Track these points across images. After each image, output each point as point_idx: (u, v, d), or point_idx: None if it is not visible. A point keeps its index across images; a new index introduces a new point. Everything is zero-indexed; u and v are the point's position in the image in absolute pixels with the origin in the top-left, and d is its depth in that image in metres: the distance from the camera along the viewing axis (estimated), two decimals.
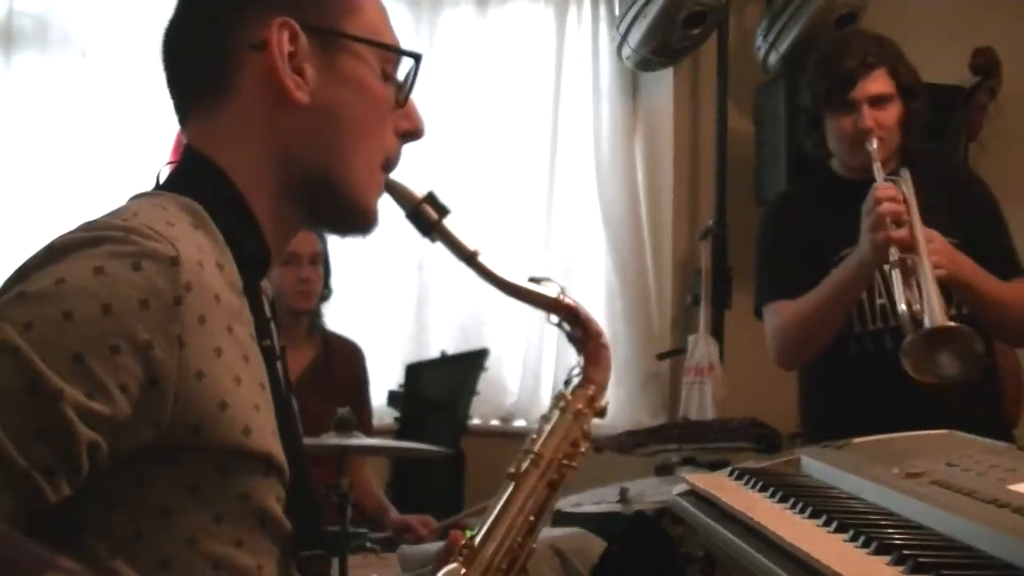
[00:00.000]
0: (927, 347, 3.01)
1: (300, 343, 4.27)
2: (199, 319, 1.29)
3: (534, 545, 1.74)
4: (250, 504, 1.33)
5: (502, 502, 1.71)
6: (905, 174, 3.32)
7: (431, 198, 1.66)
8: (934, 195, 3.31)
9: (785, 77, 5.65)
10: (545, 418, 1.78)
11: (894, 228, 3.14)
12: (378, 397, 5.07)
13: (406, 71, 1.60)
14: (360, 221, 1.59)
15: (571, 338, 1.81)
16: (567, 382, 1.81)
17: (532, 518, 1.71)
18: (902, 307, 3.07)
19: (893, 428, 2.86)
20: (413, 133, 1.61)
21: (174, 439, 1.28)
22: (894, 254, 3.12)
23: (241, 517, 1.33)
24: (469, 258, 1.71)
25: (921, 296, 3.05)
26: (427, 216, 1.66)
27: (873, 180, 3.31)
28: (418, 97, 1.62)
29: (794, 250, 3.49)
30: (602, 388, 1.81)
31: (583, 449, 1.77)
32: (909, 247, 3.12)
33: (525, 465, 1.73)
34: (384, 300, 5.83)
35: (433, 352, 5.76)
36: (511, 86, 6.00)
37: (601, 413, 1.81)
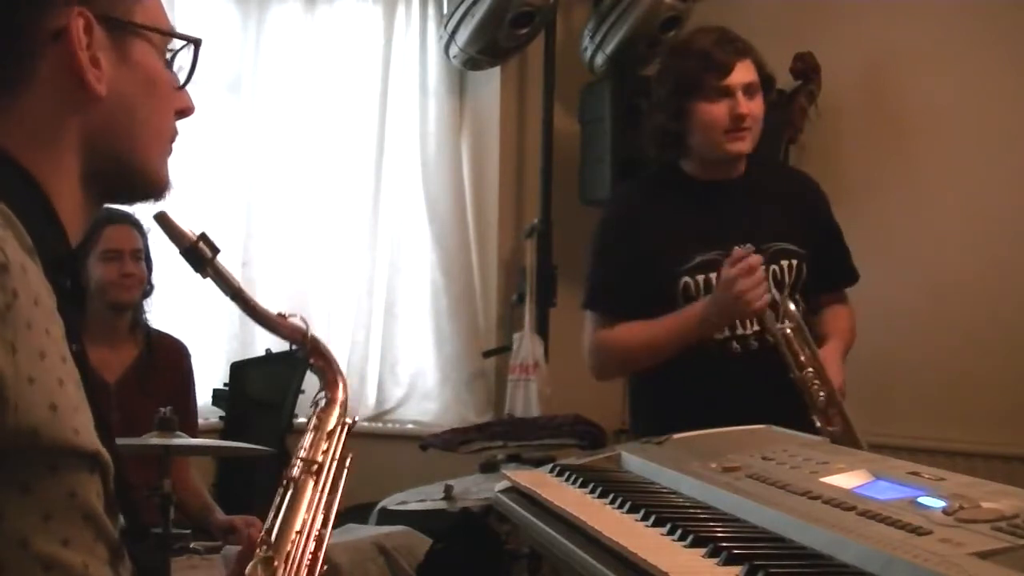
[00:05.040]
0: None
1: (123, 341, 4.17)
2: (27, 324, 1.26)
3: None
4: (76, 501, 1.32)
5: (286, 504, 1.92)
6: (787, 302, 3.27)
7: (204, 238, 1.84)
8: (776, 204, 3.34)
9: (611, 78, 5.74)
10: (305, 431, 2.08)
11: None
12: (203, 396, 5.00)
13: (186, 55, 1.63)
14: (157, 191, 1.61)
15: (312, 367, 2.13)
16: (316, 404, 2.13)
17: (323, 514, 1.95)
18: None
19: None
20: (186, 111, 1.63)
21: (16, 443, 1.26)
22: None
23: (67, 515, 1.31)
24: (236, 293, 1.95)
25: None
26: (202, 254, 1.84)
27: (723, 181, 3.40)
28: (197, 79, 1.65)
29: (630, 260, 3.40)
30: (344, 406, 2.11)
31: (350, 455, 2.06)
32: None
33: (298, 470, 1.98)
34: (208, 297, 5.74)
35: (258, 350, 5.70)
36: (339, 83, 5.98)
37: (350, 428, 2.10)
